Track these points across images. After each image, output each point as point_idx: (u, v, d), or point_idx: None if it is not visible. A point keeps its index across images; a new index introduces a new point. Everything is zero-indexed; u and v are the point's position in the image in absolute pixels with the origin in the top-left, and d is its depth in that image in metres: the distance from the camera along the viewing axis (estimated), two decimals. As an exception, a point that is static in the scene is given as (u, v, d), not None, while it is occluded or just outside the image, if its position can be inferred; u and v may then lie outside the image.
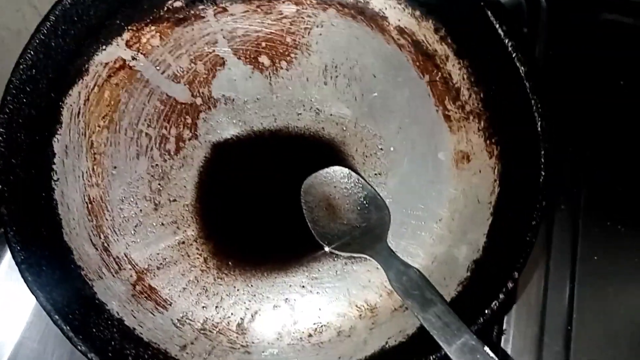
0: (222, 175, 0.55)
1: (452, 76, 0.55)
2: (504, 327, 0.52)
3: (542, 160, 0.43)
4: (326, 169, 0.53)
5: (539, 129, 0.47)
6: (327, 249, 0.51)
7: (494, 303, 0.41)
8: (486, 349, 0.39)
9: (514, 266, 0.41)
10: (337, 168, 0.53)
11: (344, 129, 0.55)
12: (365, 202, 0.52)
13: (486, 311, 0.41)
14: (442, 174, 0.53)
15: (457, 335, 0.40)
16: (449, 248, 0.50)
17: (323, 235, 0.51)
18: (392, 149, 0.55)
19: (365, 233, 0.50)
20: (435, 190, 0.53)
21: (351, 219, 0.51)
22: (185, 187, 0.55)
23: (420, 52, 0.55)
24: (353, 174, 0.52)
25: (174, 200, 0.55)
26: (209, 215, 0.54)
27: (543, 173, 0.46)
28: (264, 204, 0.54)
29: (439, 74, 0.55)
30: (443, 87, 0.55)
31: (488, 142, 0.53)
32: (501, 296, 0.41)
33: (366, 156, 0.55)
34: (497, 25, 0.49)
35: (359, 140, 0.55)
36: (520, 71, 0.48)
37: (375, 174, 0.55)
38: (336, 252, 0.51)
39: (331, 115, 0.55)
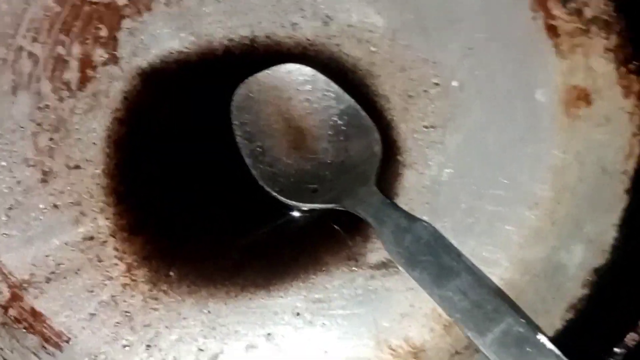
0: (156, 125, 0.53)
1: None
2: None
3: None
4: (274, 67, 0.52)
5: None
6: (280, 198, 0.50)
7: (630, 338, 0.43)
8: (541, 337, 0.42)
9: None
10: (292, 66, 0.52)
11: (372, 49, 0.54)
12: (340, 122, 0.51)
13: (617, 350, 0.42)
14: (542, 126, 0.52)
15: (495, 320, 0.42)
16: (553, 250, 0.50)
17: (271, 177, 0.50)
18: (454, 84, 0.53)
19: (342, 172, 0.50)
20: (529, 154, 0.52)
21: (318, 150, 0.51)
22: (94, 144, 0.53)
23: None
24: (320, 75, 0.52)
25: (76, 167, 0.53)
26: (133, 192, 0.52)
27: None
28: (223, 171, 0.52)
29: None
30: None
31: (623, 69, 0.52)
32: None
33: (409, 96, 0.54)
34: None
35: (398, 68, 0.54)
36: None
37: (425, 127, 0.53)
38: (293, 203, 0.50)
39: (350, 26, 0.54)
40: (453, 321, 0.44)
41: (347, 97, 0.51)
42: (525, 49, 0.52)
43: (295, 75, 0.51)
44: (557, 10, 0.53)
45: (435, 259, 0.45)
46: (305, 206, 0.49)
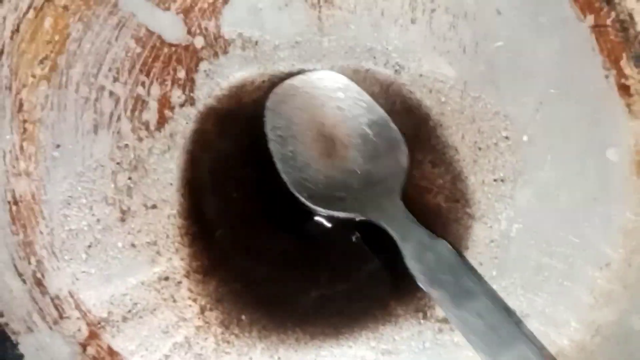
0: (232, 166, 0.54)
1: (634, 19, 0.53)
2: None
3: None
4: (309, 73, 0.52)
5: None
6: (307, 203, 0.50)
7: None
8: None
9: None
10: (325, 73, 0.52)
11: (443, 100, 0.54)
12: (370, 132, 0.51)
13: None
14: (613, 185, 0.52)
15: (509, 345, 0.42)
16: (623, 314, 0.50)
17: (301, 183, 0.50)
18: (525, 138, 0.54)
19: (370, 183, 0.50)
20: (600, 213, 0.52)
21: (347, 158, 0.51)
22: (171, 184, 0.54)
23: (581, -26, 0.52)
24: (353, 84, 0.52)
25: (153, 207, 0.54)
26: (209, 234, 0.53)
27: None
28: (301, 218, 0.53)
29: (613, 14, 0.53)
30: (619, 37, 0.53)
31: None
32: None
33: (479, 148, 0.54)
34: None
35: (469, 120, 0.54)
36: None
37: (495, 180, 0.53)
38: (320, 209, 0.50)
39: (421, 75, 0.55)
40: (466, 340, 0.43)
41: (378, 108, 0.51)
42: (597, 106, 0.52)
43: (329, 82, 0.51)
44: (629, 70, 0.53)
45: (455, 279, 0.45)
46: (332, 214, 0.49)
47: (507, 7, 0.53)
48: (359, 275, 0.51)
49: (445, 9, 0.54)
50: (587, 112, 0.53)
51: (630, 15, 0.53)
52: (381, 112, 0.51)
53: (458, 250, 0.46)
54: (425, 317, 0.51)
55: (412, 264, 0.46)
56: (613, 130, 0.53)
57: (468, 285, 0.45)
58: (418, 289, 0.50)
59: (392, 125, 0.50)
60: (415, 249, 0.46)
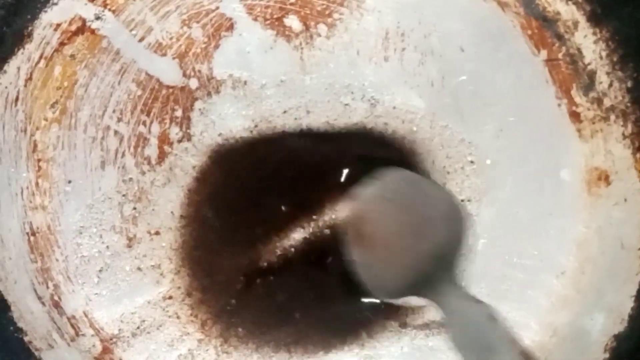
0: (227, 196, 0.57)
1: (583, 53, 0.56)
2: None
3: None
4: (381, 177, 0.52)
5: None
6: (382, 300, 0.51)
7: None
8: None
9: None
10: (395, 172, 0.53)
11: (414, 129, 0.57)
12: (427, 209, 0.51)
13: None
14: (566, 202, 0.55)
15: None
16: (577, 317, 0.52)
17: (380, 286, 0.51)
18: (488, 162, 0.56)
19: (432, 265, 0.49)
20: (555, 227, 0.54)
21: (420, 247, 0.50)
22: (172, 213, 0.56)
23: (534, 14, 0.56)
24: (409, 174, 0.52)
25: (156, 233, 0.56)
26: (207, 256, 0.56)
27: None
28: (290, 241, 0.56)
29: (563, 48, 0.56)
30: (569, 69, 0.56)
31: (638, 155, 0.54)
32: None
33: (447, 172, 0.56)
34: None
35: (437, 146, 0.56)
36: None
37: (462, 201, 0.56)
38: (390, 301, 0.52)
39: (394, 108, 0.56)
40: None
41: (433, 185, 0.52)
42: (551, 132, 0.54)
43: (399, 183, 0.52)
44: (579, 99, 0.55)
45: (487, 347, 0.44)
46: (395, 301, 0.51)
47: (469, 44, 0.56)
48: (343, 294, 0.54)
49: (414, 48, 0.56)
50: (542, 137, 0.55)
51: (579, 50, 0.56)
52: (436, 186, 0.52)
53: (506, 330, 0.46)
54: (403, 325, 0.54)
55: (456, 341, 0.45)
56: (565, 153, 0.55)
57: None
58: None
59: (451, 197, 0.52)
60: (461, 332, 0.45)
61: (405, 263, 0.50)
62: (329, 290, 0.54)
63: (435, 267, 0.49)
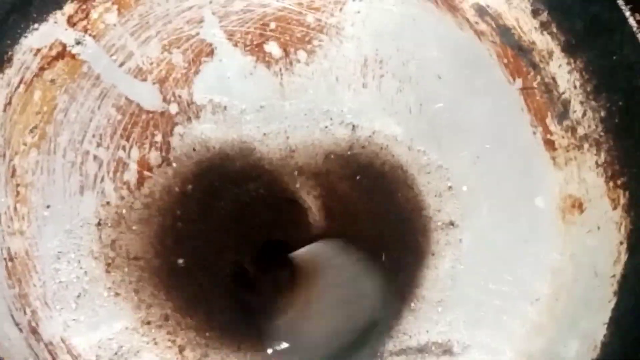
0: (206, 220, 0.57)
1: (557, 82, 0.57)
2: None
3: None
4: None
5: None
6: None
7: None
8: None
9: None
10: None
11: (393, 155, 0.57)
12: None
13: None
14: (541, 229, 0.56)
15: None
16: (551, 343, 0.53)
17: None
18: (464, 188, 0.57)
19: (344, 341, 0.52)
20: (531, 254, 0.55)
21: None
22: (151, 238, 0.57)
23: (509, 43, 0.57)
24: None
25: (135, 258, 0.57)
26: (186, 281, 0.56)
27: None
28: (271, 264, 0.57)
29: (538, 77, 0.57)
30: (544, 97, 0.57)
31: (611, 184, 0.55)
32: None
33: (426, 197, 0.57)
34: (626, 7, 0.51)
35: (415, 172, 0.57)
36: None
37: (442, 226, 0.57)
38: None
39: (373, 133, 0.57)
40: None
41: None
42: (526, 159, 0.55)
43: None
44: (553, 127, 0.56)
45: None
46: None
47: (446, 72, 0.56)
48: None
49: (393, 75, 0.56)
50: (517, 164, 0.55)
51: (554, 79, 0.56)
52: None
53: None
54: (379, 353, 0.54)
55: None
56: (540, 180, 0.55)
57: None
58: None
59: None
60: None
61: (332, 334, 0.52)
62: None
63: (347, 349, 0.51)
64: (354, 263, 0.54)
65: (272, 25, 0.57)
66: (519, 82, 0.57)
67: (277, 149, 0.58)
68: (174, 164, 0.57)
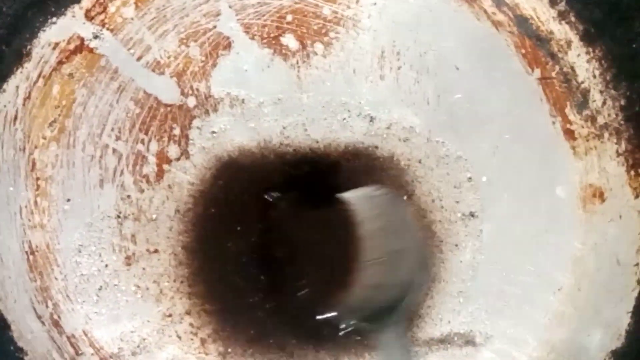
0: (226, 213, 0.56)
1: (576, 71, 0.56)
2: None
3: None
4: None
5: None
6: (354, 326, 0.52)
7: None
8: None
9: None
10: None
11: (411, 147, 0.57)
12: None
13: None
14: (562, 219, 0.55)
15: None
16: (575, 333, 0.52)
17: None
18: (484, 179, 0.56)
19: (395, 294, 0.51)
20: (552, 243, 0.54)
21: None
22: (171, 231, 0.56)
23: (527, 34, 0.56)
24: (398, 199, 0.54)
25: (155, 251, 0.56)
26: (207, 274, 0.55)
27: None
28: (289, 256, 0.56)
29: (557, 67, 0.56)
30: (563, 87, 0.56)
31: (632, 172, 0.54)
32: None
33: (445, 189, 0.56)
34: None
35: (434, 163, 0.56)
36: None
37: (462, 217, 0.56)
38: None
39: (391, 125, 0.57)
40: None
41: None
42: (546, 149, 0.54)
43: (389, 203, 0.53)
44: (573, 117, 0.55)
45: None
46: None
47: (464, 63, 0.56)
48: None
49: (410, 66, 0.56)
50: (537, 155, 0.55)
51: (572, 68, 0.56)
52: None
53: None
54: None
55: None
56: (560, 170, 0.55)
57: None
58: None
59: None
60: None
61: (383, 287, 0.50)
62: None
63: (397, 301, 0.50)
64: (405, 210, 0.53)
65: (289, 17, 0.56)
66: (537, 72, 0.56)
67: (296, 140, 0.57)
68: (193, 157, 0.56)
